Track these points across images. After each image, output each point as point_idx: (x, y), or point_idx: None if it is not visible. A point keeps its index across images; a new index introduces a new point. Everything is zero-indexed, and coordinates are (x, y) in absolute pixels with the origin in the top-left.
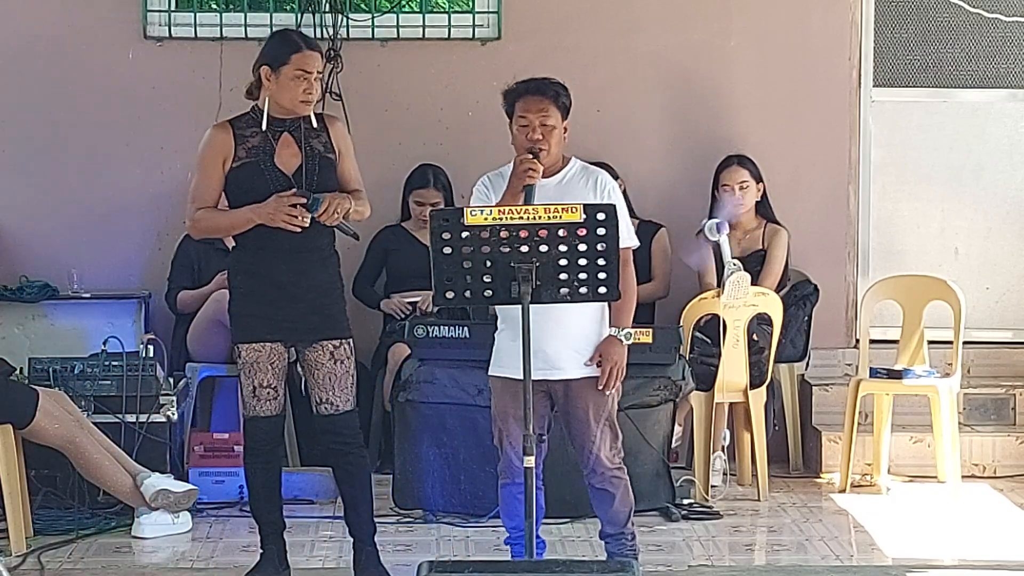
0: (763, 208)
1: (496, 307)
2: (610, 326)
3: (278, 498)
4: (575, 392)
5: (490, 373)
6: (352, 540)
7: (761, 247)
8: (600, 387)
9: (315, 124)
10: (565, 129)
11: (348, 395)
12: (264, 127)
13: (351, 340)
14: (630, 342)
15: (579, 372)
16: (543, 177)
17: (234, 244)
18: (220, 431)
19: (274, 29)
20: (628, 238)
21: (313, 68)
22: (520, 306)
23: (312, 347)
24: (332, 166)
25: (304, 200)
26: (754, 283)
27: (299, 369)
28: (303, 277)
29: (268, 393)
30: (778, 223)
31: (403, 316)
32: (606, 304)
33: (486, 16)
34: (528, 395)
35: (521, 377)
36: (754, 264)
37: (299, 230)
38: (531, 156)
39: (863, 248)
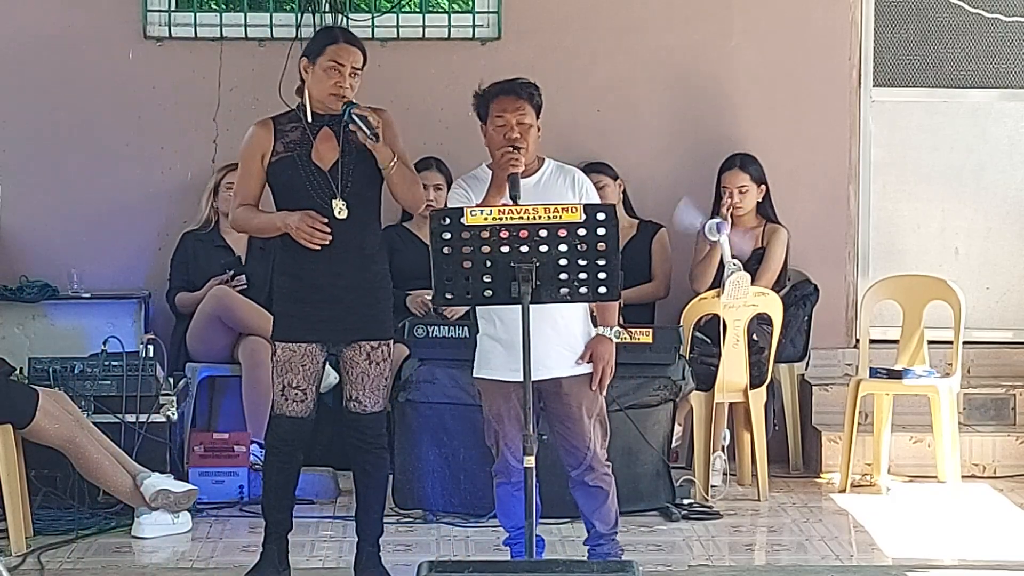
0: (764, 208)
1: (478, 309)
2: (596, 325)
3: (290, 499)
4: (567, 390)
5: (477, 375)
6: (356, 540)
7: (760, 245)
8: (594, 387)
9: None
10: (538, 128)
11: (378, 396)
12: (304, 121)
13: (391, 342)
14: (619, 339)
15: (570, 370)
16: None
17: (279, 245)
18: (228, 430)
19: (274, 29)
20: None
21: (347, 61)
22: (506, 307)
23: (350, 346)
24: (371, 161)
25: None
26: (753, 282)
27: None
28: (341, 277)
29: (296, 394)
30: (778, 223)
31: (423, 314)
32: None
33: (486, 16)
34: (528, 394)
35: (509, 378)
36: (753, 263)
37: (318, 247)
38: (511, 148)
39: (863, 248)
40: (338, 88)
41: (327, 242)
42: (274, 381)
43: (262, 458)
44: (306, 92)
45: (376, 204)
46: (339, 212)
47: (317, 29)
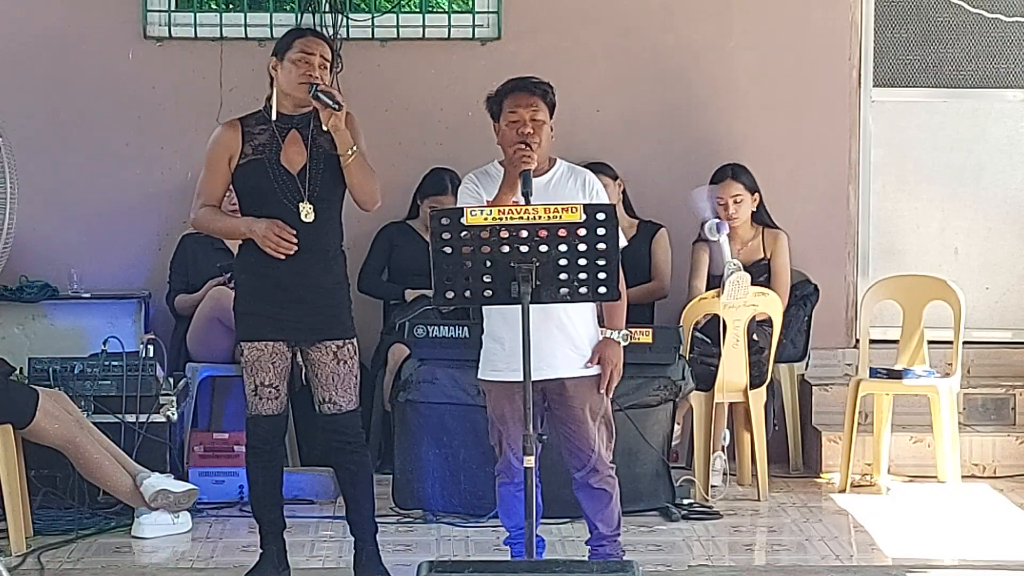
0: (759, 216)
1: (483, 309)
2: (604, 328)
3: (279, 497)
4: (571, 392)
5: (481, 377)
6: (353, 540)
7: (763, 256)
8: (602, 390)
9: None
10: (551, 128)
11: (351, 395)
12: (271, 123)
13: (355, 340)
14: (627, 343)
15: (574, 371)
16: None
17: (241, 243)
18: (232, 430)
19: (274, 29)
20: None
21: (315, 50)
22: (507, 308)
23: (315, 347)
24: (336, 165)
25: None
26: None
27: (301, 367)
28: (306, 278)
29: (270, 392)
30: (775, 226)
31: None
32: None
33: (486, 16)
34: (528, 394)
35: (513, 379)
36: (757, 273)
37: (282, 257)
38: (524, 145)
39: (863, 248)
40: (308, 77)
41: (292, 252)
42: (245, 382)
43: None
44: (274, 91)
45: (339, 207)
46: (306, 215)
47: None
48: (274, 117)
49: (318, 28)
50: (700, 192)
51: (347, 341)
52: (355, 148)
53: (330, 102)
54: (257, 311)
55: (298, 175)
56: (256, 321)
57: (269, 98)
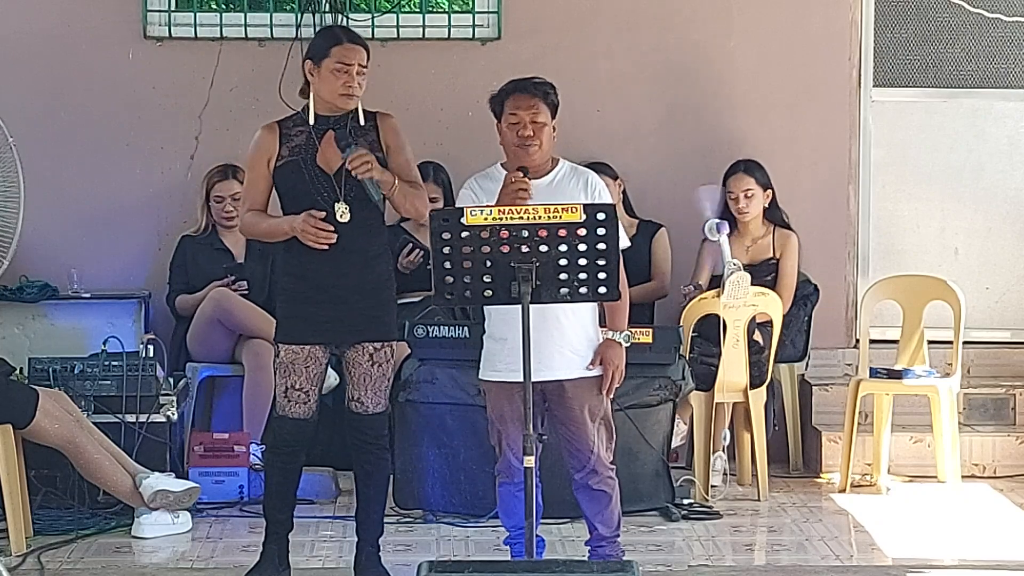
0: (771, 214)
1: (484, 309)
2: (605, 329)
3: (291, 499)
4: (570, 393)
5: (481, 377)
6: (356, 540)
7: (772, 255)
8: (604, 391)
9: (363, 122)
10: (554, 128)
11: (380, 397)
12: (308, 124)
13: (394, 343)
14: (629, 344)
15: (573, 373)
16: (534, 178)
17: (283, 245)
18: (224, 430)
19: (274, 29)
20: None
21: (354, 60)
22: (508, 308)
23: (353, 347)
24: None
25: (332, 228)
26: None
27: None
28: (346, 278)
29: (299, 396)
30: (789, 227)
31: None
32: (595, 304)
33: (486, 16)
34: (528, 394)
35: (513, 379)
36: (765, 273)
37: (326, 247)
38: (522, 175)
39: (863, 248)
40: (347, 88)
41: (332, 241)
42: (276, 383)
43: (262, 458)
44: (311, 95)
45: (380, 207)
46: (341, 215)
47: (317, 30)
48: (311, 120)
49: (317, 28)
50: (706, 190)
51: (386, 344)
52: (395, 185)
53: (374, 196)
54: (297, 314)
55: (334, 175)
56: (294, 324)
57: (303, 92)
